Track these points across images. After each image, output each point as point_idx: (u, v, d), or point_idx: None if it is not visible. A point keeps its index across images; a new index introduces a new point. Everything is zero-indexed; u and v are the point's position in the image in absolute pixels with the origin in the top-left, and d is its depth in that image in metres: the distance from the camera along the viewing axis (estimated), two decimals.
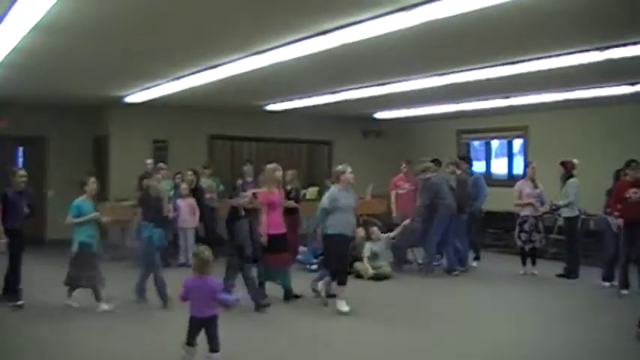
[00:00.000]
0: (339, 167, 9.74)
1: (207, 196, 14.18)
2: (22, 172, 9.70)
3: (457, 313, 9.44)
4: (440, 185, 12.38)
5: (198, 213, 13.54)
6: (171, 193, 13.19)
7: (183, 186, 13.56)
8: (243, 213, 9.40)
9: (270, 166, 10.22)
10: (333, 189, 9.55)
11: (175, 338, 6.69)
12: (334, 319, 8.98)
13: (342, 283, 9.35)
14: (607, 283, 11.02)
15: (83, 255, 9.12)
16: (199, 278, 6.40)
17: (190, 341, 6.45)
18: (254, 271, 9.49)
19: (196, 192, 13.68)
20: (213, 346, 6.40)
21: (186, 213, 13.36)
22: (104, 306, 9.05)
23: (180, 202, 13.31)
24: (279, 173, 10.14)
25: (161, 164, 13.60)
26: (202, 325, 6.41)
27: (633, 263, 10.56)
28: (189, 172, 13.83)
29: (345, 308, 9.15)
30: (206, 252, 6.49)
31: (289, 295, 10.00)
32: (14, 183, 9.52)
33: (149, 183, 9.80)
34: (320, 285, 10.12)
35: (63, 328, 8.27)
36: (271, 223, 9.70)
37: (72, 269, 9.18)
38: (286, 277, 10.05)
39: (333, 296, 9.56)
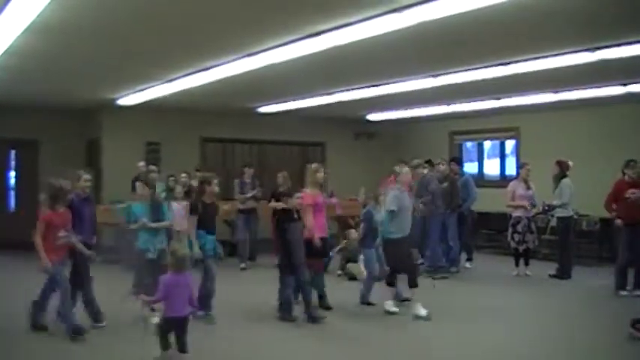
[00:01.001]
0: (396, 168, 9.71)
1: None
2: (87, 177, 8.58)
3: (452, 314, 9.39)
4: (433, 181, 12.37)
5: None
6: (163, 195, 13.17)
7: (178, 189, 13.49)
8: (296, 216, 9.04)
9: (312, 166, 9.82)
10: (396, 191, 9.37)
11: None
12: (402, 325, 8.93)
13: (415, 285, 9.15)
14: (624, 292, 10.49)
15: (144, 262, 8.61)
16: (177, 276, 6.39)
17: (166, 346, 6.41)
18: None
19: (190, 194, 13.63)
20: (184, 346, 6.35)
21: (181, 216, 13.30)
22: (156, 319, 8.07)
23: (174, 205, 13.26)
24: (320, 175, 9.67)
25: (152, 167, 13.58)
26: (179, 326, 6.35)
27: (632, 264, 10.52)
28: (183, 175, 13.81)
29: (423, 312, 8.95)
30: (181, 250, 6.55)
31: (325, 303, 9.66)
32: (78, 188, 8.44)
33: (208, 189, 8.92)
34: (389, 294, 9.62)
35: None
36: (317, 226, 9.36)
37: (135, 277, 8.85)
38: (323, 283, 9.80)
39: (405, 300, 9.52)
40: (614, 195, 10.67)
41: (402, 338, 8.17)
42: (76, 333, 7.66)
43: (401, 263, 9.28)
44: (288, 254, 8.92)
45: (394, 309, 9.27)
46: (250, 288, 11.54)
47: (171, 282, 6.38)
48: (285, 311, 8.89)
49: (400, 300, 9.60)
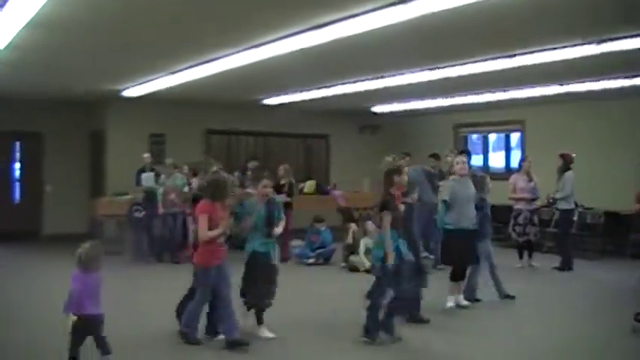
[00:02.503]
0: (449, 158, 9.53)
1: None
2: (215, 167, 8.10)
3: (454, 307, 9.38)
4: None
5: None
6: (186, 189, 13.02)
7: (196, 181, 13.23)
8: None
9: (388, 158, 9.25)
10: (451, 181, 9.12)
11: None
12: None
13: (455, 279, 9.04)
14: None
15: (255, 265, 7.51)
16: (87, 275, 6.04)
17: (75, 353, 6.07)
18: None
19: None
20: (106, 348, 6.05)
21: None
22: (267, 332, 7.57)
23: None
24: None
25: (169, 160, 13.61)
26: (93, 326, 6.03)
27: None
28: (185, 167, 13.78)
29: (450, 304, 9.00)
30: (93, 248, 6.17)
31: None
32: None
33: (397, 180, 7.71)
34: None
35: None
36: None
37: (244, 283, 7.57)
38: None
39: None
40: None
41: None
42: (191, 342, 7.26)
43: (454, 256, 9.00)
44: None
45: (465, 303, 9.14)
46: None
47: (84, 280, 6.00)
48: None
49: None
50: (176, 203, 13.01)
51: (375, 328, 7.33)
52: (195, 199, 8.19)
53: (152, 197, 13.31)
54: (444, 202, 8.94)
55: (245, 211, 7.54)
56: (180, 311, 7.48)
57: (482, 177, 9.71)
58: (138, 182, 13.70)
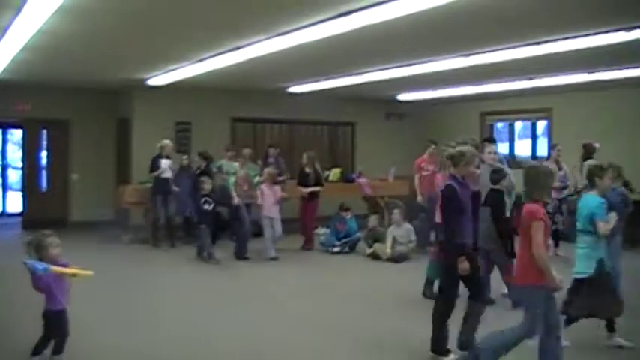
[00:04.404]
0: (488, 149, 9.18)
1: (245, 188, 13.10)
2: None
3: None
4: None
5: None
6: (256, 180, 12.88)
7: (267, 170, 13.00)
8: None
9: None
10: (481, 168, 8.74)
11: None
12: None
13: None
14: None
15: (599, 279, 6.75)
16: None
17: (42, 349, 5.99)
18: None
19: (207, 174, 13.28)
20: (62, 346, 5.98)
21: (272, 201, 12.56)
22: (620, 340, 7.07)
23: (264, 188, 12.63)
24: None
25: (247, 150, 13.43)
26: (61, 319, 5.96)
27: None
28: (184, 157, 13.72)
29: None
30: (44, 237, 5.96)
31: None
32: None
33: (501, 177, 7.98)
34: None
35: None
36: None
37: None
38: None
39: None
40: None
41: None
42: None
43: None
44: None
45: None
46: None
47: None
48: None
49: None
50: (250, 194, 12.72)
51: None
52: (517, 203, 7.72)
53: (224, 189, 12.94)
54: None
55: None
56: None
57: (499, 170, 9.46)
58: (153, 169, 13.61)
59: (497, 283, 8.89)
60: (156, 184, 13.54)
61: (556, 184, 12.18)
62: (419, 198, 12.83)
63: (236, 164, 13.26)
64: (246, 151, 13.57)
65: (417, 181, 13.00)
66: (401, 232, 12.26)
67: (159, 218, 13.44)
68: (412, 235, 12.33)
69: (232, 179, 12.91)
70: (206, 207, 12.33)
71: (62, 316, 5.97)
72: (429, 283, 9.26)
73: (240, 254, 12.31)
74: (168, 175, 13.54)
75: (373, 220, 13.05)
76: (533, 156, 16.91)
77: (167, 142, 13.94)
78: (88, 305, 8.02)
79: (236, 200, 12.61)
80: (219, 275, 11.05)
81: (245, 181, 12.84)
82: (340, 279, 10.86)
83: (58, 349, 5.95)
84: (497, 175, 8.67)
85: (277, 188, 12.69)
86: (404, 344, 7.14)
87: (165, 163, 13.48)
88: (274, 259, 12.16)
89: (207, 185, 12.55)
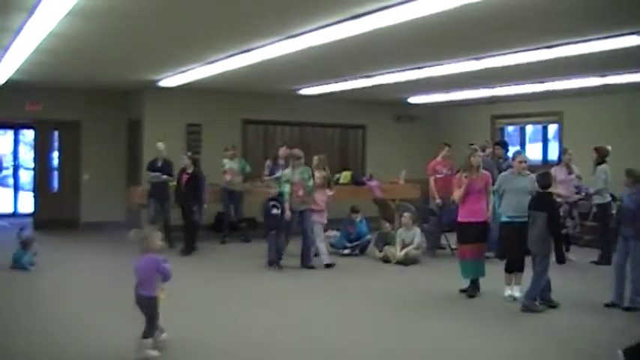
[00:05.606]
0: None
1: (228, 178, 14.10)
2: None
3: (481, 301, 9.33)
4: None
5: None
6: (310, 182, 11.91)
7: (318, 174, 12.22)
8: None
9: (467, 151, 9.76)
10: (507, 172, 9.56)
11: None
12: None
13: (511, 269, 9.19)
14: None
15: None
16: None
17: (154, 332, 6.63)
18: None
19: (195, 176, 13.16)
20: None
21: (324, 206, 12.17)
22: None
23: (317, 194, 12.10)
24: (474, 159, 9.52)
25: (298, 151, 12.42)
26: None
27: None
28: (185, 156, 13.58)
29: (508, 292, 9.20)
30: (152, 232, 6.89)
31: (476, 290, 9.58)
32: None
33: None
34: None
35: None
36: (464, 210, 9.45)
37: None
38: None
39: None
40: None
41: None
42: None
43: (504, 247, 9.22)
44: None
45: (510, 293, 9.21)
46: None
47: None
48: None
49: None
50: (305, 200, 11.77)
51: None
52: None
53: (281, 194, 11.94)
54: (494, 192, 9.43)
55: None
56: None
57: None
58: (150, 171, 13.67)
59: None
60: (151, 188, 13.69)
61: (564, 192, 12.12)
62: (437, 200, 12.77)
63: (287, 171, 12.14)
64: (298, 152, 12.29)
65: (432, 183, 12.97)
66: (409, 235, 12.24)
67: (154, 221, 12.96)
68: (418, 239, 12.29)
69: (287, 187, 11.76)
70: (274, 211, 11.61)
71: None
72: (472, 283, 9.49)
73: (306, 262, 11.82)
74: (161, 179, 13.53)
75: (387, 228, 12.98)
76: (544, 160, 16.86)
77: (159, 144, 13.88)
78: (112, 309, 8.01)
79: (288, 214, 11.66)
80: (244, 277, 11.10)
81: (300, 186, 11.74)
82: (364, 282, 10.83)
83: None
84: (545, 179, 8.86)
85: (328, 192, 12.36)
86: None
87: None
88: (329, 266, 11.78)
89: (273, 189, 12.09)
